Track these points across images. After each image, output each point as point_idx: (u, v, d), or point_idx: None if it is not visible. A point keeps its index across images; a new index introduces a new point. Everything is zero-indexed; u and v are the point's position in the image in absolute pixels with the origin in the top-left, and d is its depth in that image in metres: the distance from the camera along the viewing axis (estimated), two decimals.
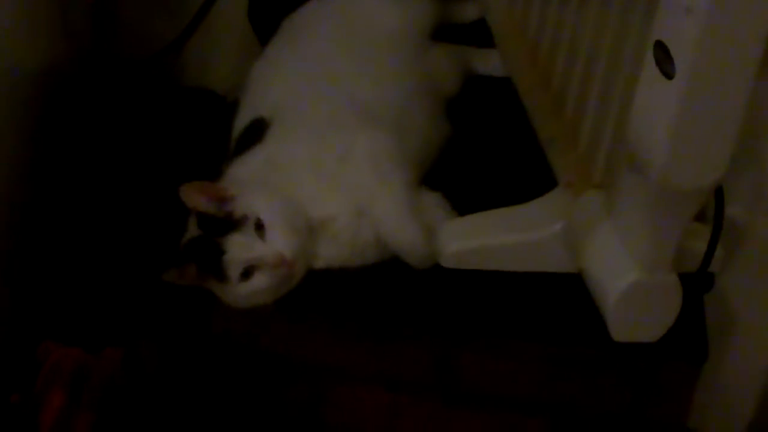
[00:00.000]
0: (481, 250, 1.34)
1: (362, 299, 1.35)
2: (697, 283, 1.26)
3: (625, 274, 1.21)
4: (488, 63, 1.68)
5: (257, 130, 1.40)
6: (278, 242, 1.27)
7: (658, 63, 1.07)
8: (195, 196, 1.28)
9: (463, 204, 1.39)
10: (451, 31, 1.70)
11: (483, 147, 1.52)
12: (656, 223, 1.18)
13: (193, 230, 1.30)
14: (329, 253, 1.34)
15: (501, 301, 1.35)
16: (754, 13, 1.02)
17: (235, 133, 1.45)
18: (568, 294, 1.31)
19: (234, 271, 1.27)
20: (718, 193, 1.18)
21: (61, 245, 1.64)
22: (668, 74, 1.05)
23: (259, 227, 1.27)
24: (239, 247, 1.26)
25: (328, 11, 1.62)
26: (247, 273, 1.27)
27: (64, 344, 1.38)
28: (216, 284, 1.28)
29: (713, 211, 1.23)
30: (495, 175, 1.47)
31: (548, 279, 1.34)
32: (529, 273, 1.34)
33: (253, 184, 1.33)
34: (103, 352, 1.39)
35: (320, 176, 1.35)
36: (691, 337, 1.31)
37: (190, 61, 2.02)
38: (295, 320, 1.35)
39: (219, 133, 1.48)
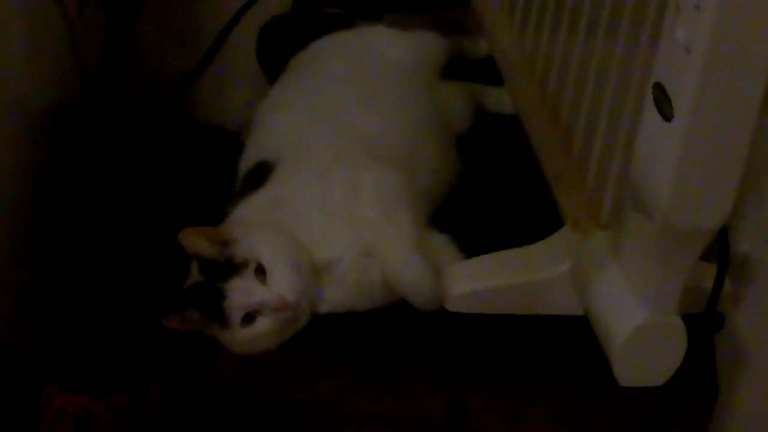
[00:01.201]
0: (486, 293, 1.34)
1: (369, 342, 1.34)
2: (705, 323, 1.25)
3: (630, 317, 1.19)
4: (498, 100, 1.68)
5: (262, 172, 1.39)
6: (280, 285, 1.26)
7: (657, 104, 1.06)
8: (195, 242, 1.28)
9: (471, 244, 1.38)
10: (461, 68, 1.70)
11: (491, 185, 1.51)
12: (661, 265, 1.17)
13: (194, 275, 1.30)
14: (335, 296, 1.33)
15: (509, 342, 1.34)
16: (753, 54, 1.01)
17: (241, 173, 1.45)
18: (577, 335, 1.29)
19: (236, 317, 1.26)
20: (722, 233, 1.17)
21: (67, 287, 1.64)
22: (667, 116, 1.05)
23: (261, 271, 1.26)
24: (240, 292, 1.26)
25: (337, 48, 1.62)
26: (249, 318, 1.26)
27: (69, 390, 1.38)
28: (218, 330, 1.28)
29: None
30: (502, 214, 1.46)
31: (556, 321, 1.33)
32: (536, 315, 1.33)
33: (256, 226, 1.32)
34: (109, 398, 1.38)
35: (326, 215, 1.34)
36: (701, 377, 1.30)
37: (203, 98, 2.03)
38: (300, 364, 1.34)
39: (230, 171, 1.48)
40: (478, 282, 1.34)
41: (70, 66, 1.79)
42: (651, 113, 1.08)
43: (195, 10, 2.00)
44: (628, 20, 1.28)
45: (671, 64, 1.04)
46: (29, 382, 1.46)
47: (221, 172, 1.50)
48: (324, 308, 1.33)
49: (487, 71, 1.70)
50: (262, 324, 1.27)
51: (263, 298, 1.26)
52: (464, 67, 1.71)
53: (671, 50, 1.04)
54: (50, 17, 1.69)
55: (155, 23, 2.00)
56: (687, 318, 1.21)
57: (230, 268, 1.27)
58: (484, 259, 1.36)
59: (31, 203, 1.63)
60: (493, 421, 1.34)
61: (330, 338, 1.33)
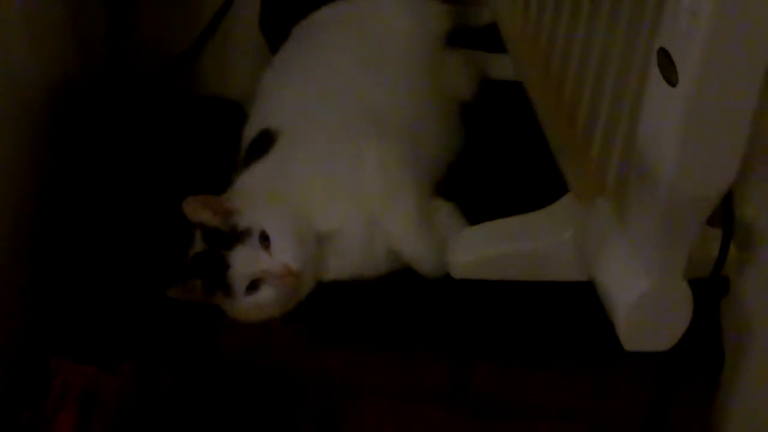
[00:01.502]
0: (490, 260, 1.33)
1: (375, 311, 1.34)
2: (711, 288, 1.25)
3: (636, 283, 1.19)
4: (502, 67, 1.67)
5: (266, 142, 1.39)
6: (284, 254, 1.26)
7: (662, 70, 1.06)
8: (198, 210, 1.27)
9: (475, 212, 1.38)
10: (464, 35, 1.69)
11: (495, 154, 1.51)
12: (666, 231, 1.17)
13: (198, 244, 1.30)
14: (339, 265, 1.33)
15: (514, 310, 1.34)
16: (758, 18, 1.01)
17: (245, 143, 1.45)
18: (582, 301, 1.29)
19: (240, 285, 1.26)
20: (727, 198, 1.17)
21: (73, 259, 1.64)
22: (672, 81, 1.04)
23: (264, 239, 1.26)
24: (244, 261, 1.26)
25: (339, 18, 1.61)
26: (253, 286, 1.26)
27: (76, 361, 1.38)
28: (222, 299, 1.28)
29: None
30: (507, 182, 1.46)
31: (561, 287, 1.32)
32: (543, 282, 1.33)
33: (260, 195, 1.32)
34: (115, 369, 1.38)
35: (330, 186, 1.34)
36: (707, 343, 1.30)
37: (206, 70, 2.02)
38: (305, 334, 1.34)
39: (235, 141, 1.47)
40: (482, 249, 1.34)
41: (72, 42, 1.79)
42: (656, 79, 1.07)
43: None
44: None
45: (676, 29, 1.04)
46: (36, 355, 1.46)
47: (225, 143, 1.49)
48: (328, 276, 1.33)
49: (490, 39, 1.69)
50: (266, 292, 1.27)
51: (267, 266, 1.26)
52: (467, 35, 1.70)
53: (676, 14, 1.03)
54: None
55: None
56: (692, 283, 1.21)
57: (234, 236, 1.27)
58: (489, 226, 1.36)
59: (35, 178, 1.63)
60: (499, 389, 1.35)
61: (334, 308, 1.33)
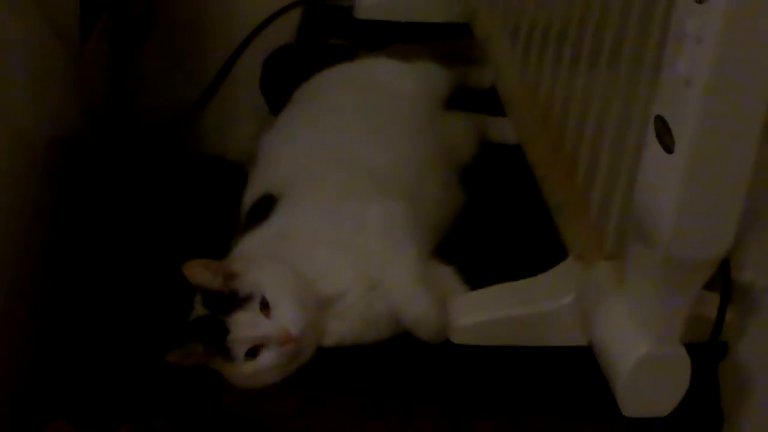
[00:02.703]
0: (491, 324, 1.33)
1: (374, 376, 1.34)
2: (709, 353, 1.25)
3: (634, 347, 1.19)
4: (502, 131, 1.68)
5: (267, 206, 1.40)
6: (284, 319, 1.26)
7: (659, 137, 1.07)
8: (199, 274, 1.27)
9: (475, 276, 1.38)
10: (466, 98, 1.70)
11: (495, 217, 1.51)
12: (665, 295, 1.17)
13: (198, 308, 1.30)
14: (339, 329, 1.33)
15: (514, 374, 1.34)
16: (754, 83, 1.02)
17: (245, 206, 1.45)
18: (582, 366, 1.29)
19: (239, 350, 1.25)
20: (724, 262, 1.17)
21: (73, 320, 1.64)
22: (669, 148, 1.05)
23: (265, 305, 1.26)
24: (244, 326, 1.25)
25: (341, 80, 1.62)
26: (253, 352, 1.26)
27: (75, 424, 1.38)
28: (222, 364, 1.27)
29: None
30: (506, 246, 1.46)
31: (561, 352, 1.33)
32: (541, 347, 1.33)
33: (261, 259, 1.32)
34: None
35: (331, 248, 1.34)
36: (705, 407, 1.29)
37: (207, 129, 2.03)
38: (305, 398, 1.33)
39: (235, 203, 1.48)
40: (482, 314, 1.34)
41: (74, 98, 1.80)
42: (653, 145, 1.08)
43: (199, 42, 2.01)
44: (629, 52, 1.28)
45: (672, 97, 1.05)
46: (35, 417, 1.45)
47: (226, 204, 1.50)
48: (328, 341, 1.33)
49: (491, 102, 1.70)
50: (266, 358, 1.26)
51: (267, 332, 1.25)
52: (469, 98, 1.71)
53: (672, 83, 1.04)
54: (53, 49, 1.69)
55: (160, 55, 2.00)
56: (690, 347, 1.21)
57: (234, 301, 1.27)
58: (489, 290, 1.36)
59: (35, 237, 1.64)
60: None
61: (334, 372, 1.33)
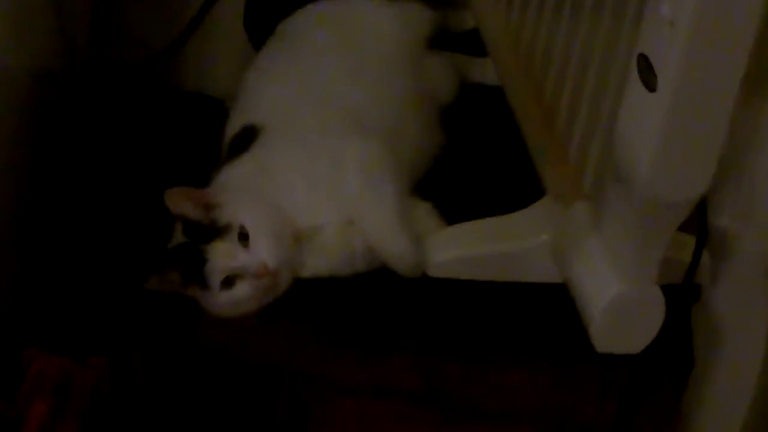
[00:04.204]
0: (467, 260, 1.34)
1: (350, 308, 1.35)
2: (683, 294, 1.26)
3: (609, 286, 1.20)
4: (483, 71, 1.68)
5: (247, 138, 1.40)
6: (262, 251, 1.27)
7: (642, 76, 1.07)
8: (180, 202, 1.28)
9: (453, 213, 1.39)
10: (447, 39, 1.70)
11: (474, 156, 1.52)
12: (641, 235, 1.18)
13: (178, 236, 1.30)
14: (317, 262, 1.34)
15: (489, 312, 1.35)
16: (736, 27, 1.02)
17: (226, 139, 1.45)
18: (556, 304, 1.30)
19: (216, 280, 1.26)
20: (701, 205, 1.18)
21: (49, 250, 1.64)
22: (651, 87, 1.05)
23: (243, 236, 1.27)
24: (222, 256, 1.26)
25: (323, 17, 1.62)
26: (229, 281, 1.26)
27: (50, 352, 1.38)
28: (198, 292, 1.28)
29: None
30: (485, 184, 1.47)
31: (537, 289, 1.34)
32: (517, 283, 1.34)
33: (241, 191, 1.33)
34: (89, 360, 1.38)
35: (310, 184, 1.35)
36: (677, 348, 1.32)
37: (188, 65, 2.02)
38: (281, 330, 1.34)
39: (215, 138, 1.48)
40: (459, 249, 1.35)
41: (55, 35, 1.79)
42: (635, 84, 1.08)
43: None
44: None
45: (656, 37, 1.05)
46: (10, 344, 1.45)
47: (207, 139, 1.50)
48: (305, 273, 1.33)
49: (472, 43, 1.70)
50: (242, 289, 1.27)
51: (244, 263, 1.26)
52: (450, 39, 1.71)
53: (656, 23, 1.04)
54: None
55: None
56: (665, 289, 1.22)
57: (213, 231, 1.27)
58: (466, 226, 1.37)
59: (16, 169, 1.63)
60: (471, 390, 1.35)
61: (310, 305, 1.34)
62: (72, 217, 1.66)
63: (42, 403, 1.34)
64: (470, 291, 1.35)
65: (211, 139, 1.49)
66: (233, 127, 1.45)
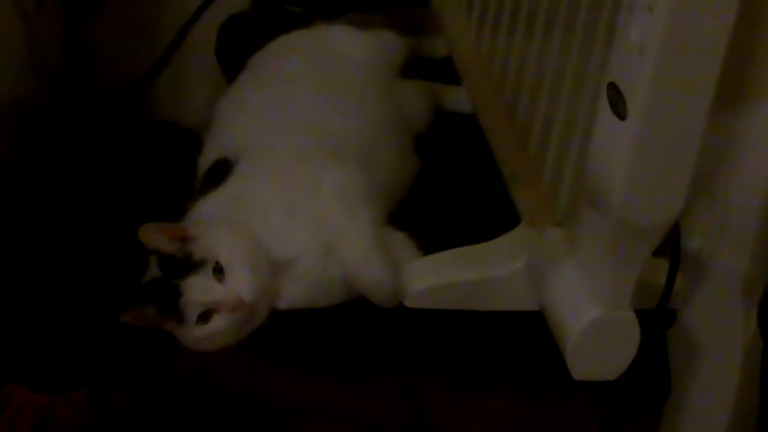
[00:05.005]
0: (443, 289, 1.35)
1: (328, 338, 1.35)
2: (658, 319, 1.27)
3: (584, 312, 1.21)
4: (456, 99, 1.69)
5: (222, 170, 1.40)
6: (237, 285, 1.26)
7: (612, 103, 1.08)
8: (154, 237, 1.28)
9: (429, 242, 1.39)
10: (421, 67, 1.71)
11: (449, 184, 1.52)
12: (615, 260, 1.19)
13: (153, 270, 1.30)
14: (294, 293, 1.34)
15: (466, 338, 1.35)
16: (704, 54, 1.03)
17: (200, 171, 1.45)
18: (533, 330, 1.31)
19: (191, 314, 1.26)
20: (675, 230, 1.19)
21: (26, 284, 1.63)
22: (621, 115, 1.06)
23: (219, 270, 1.27)
24: (197, 290, 1.26)
25: (297, 47, 1.63)
26: (205, 316, 1.26)
27: (29, 388, 1.37)
28: (175, 326, 1.28)
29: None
30: (460, 212, 1.48)
31: (517, 315, 1.34)
32: (494, 311, 1.35)
33: (216, 223, 1.32)
34: (69, 395, 1.38)
35: (286, 213, 1.35)
36: (653, 373, 1.32)
37: (162, 96, 2.02)
38: (260, 361, 1.34)
39: (190, 169, 1.48)
40: (435, 278, 1.35)
41: (28, 64, 1.78)
42: (605, 112, 1.09)
43: (154, 8, 2.00)
44: (583, 20, 1.29)
45: (625, 64, 1.06)
46: None
47: (180, 170, 1.50)
48: (282, 305, 1.33)
49: (446, 71, 1.71)
50: (218, 323, 1.27)
51: (219, 297, 1.26)
52: (423, 67, 1.72)
53: (625, 50, 1.05)
54: (7, 14, 1.68)
55: (115, 21, 1.99)
56: (640, 314, 1.23)
57: (189, 265, 1.27)
58: (442, 255, 1.38)
59: None
60: (451, 416, 1.35)
61: (288, 335, 1.33)
62: (47, 250, 1.65)
63: None
64: (449, 318, 1.35)
65: (184, 171, 1.48)
66: (207, 158, 1.45)
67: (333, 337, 1.35)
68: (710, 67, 1.04)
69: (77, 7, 1.95)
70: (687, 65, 1.03)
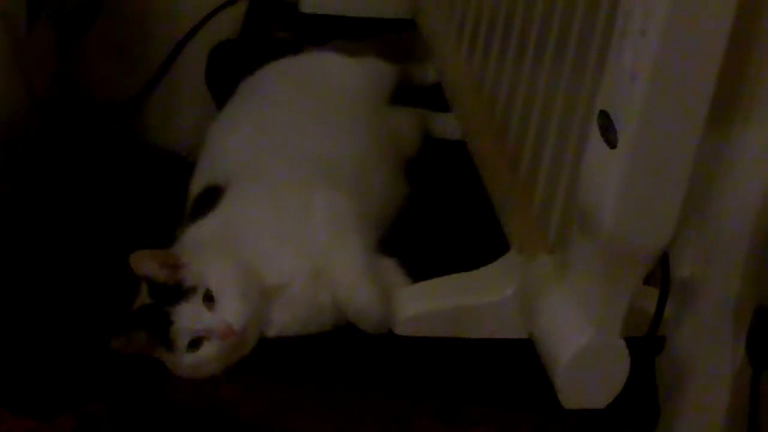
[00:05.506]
0: (432, 317, 1.35)
1: (317, 364, 1.34)
2: (647, 347, 1.27)
3: (574, 339, 1.21)
4: (446, 126, 1.69)
5: (212, 196, 1.40)
6: (227, 312, 1.26)
7: (602, 132, 1.08)
8: (145, 265, 1.27)
9: (418, 269, 1.39)
10: (410, 94, 1.71)
11: (439, 211, 1.53)
12: (605, 287, 1.19)
13: (143, 297, 1.30)
14: (283, 320, 1.33)
15: (455, 365, 1.35)
16: (696, 81, 1.04)
17: (191, 196, 1.45)
18: (523, 358, 1.31)
19: (182, 342, 1.25)
20: (664, 258, 1.19)
21: (13, 309, 1.62)
22: (611, 143, 1.06)
23: (209, 297, 1.26)
24: (187, 317, 1.25)
25: (286, 74, 1.63)
26: (194, 343, 1.26)
27: (15, 413, 1.37)
28: (164, 353, 1.27)
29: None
30: (449, 239, 1.48)
31: (507, 342, 1.34)
32: (483, 339, 1.35)
33: (206, 250, 1.32)
34: (56, 420, 1.37)
35: (277, 239, 1.35)
36: (642, 399, 1.32)
37: (151, 120, 2.02)
38: (249, 387, 1.34)
39: (180, 194, 1.48)
40: (425, 305, 1.35)
41: (18, 85, 1.78)
42: (596, 140, 1.10)
43: (144, 33, 2.00)
44: (574, 46, 1.30)
45: (616, 92, 1.06)
46: None
47: (170, 195, 1.50)
48: (272, 332, 1.33)
49: (435, 98, 1.71)
50: (208, 350, 1.26)
51: (209, 325, 1.25)
52: (413, 94, 1.73)
53: (616, 77, 1.06)
54: None
55: (105, 45, 1.99)
56: (629, 341, 1.23)
57: (179, 292, 1.27)
58: (432, 283, 1.38)
59: None
60: None
61: (277, 361, 1.33)
62: (36, 274, 1.64)
63: None
64: (439, 346, 1.35)
65: (174, 195, 1.48)
66: (197, 185, 1.45)
67: (322, 364, 1.35)
68: (702, 92, 1.04)
69: (67, 30, 1.95)
70: (679, 91, 1.04)
